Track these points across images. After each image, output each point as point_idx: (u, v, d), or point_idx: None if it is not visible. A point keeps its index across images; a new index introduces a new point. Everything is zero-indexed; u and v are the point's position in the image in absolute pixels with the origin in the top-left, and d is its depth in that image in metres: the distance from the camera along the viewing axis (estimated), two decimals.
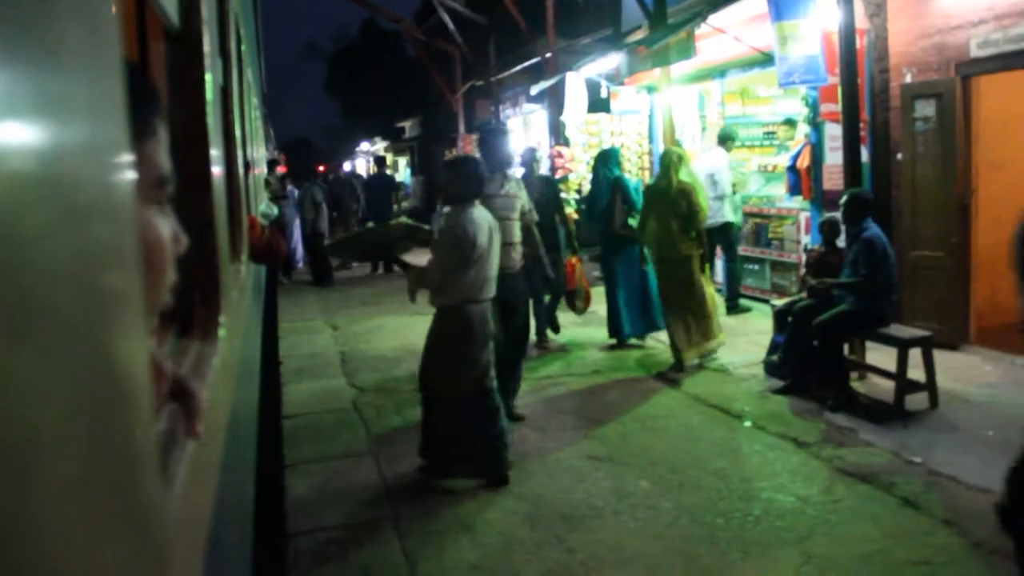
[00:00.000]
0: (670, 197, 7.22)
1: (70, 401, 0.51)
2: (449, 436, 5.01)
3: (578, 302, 8.45)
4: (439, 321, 5.00)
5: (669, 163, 7.39)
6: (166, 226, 0.94)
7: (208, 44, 1.73)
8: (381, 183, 16.31)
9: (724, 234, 9.45)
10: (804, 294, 6.78)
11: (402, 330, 9.82)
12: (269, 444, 4.64)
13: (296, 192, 16.12)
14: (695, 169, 8.06)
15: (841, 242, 6.71)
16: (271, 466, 4.73)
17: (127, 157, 0.68)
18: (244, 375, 2.43)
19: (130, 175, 0.69)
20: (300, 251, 16.27)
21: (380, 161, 18.06)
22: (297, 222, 15.69)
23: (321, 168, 28.70)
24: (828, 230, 6.85)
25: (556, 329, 8.84)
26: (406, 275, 5.08)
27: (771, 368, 6.77)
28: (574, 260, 8.33)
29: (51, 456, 0.47)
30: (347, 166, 38.01)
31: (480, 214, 4.97)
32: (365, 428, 6.31)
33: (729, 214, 9.50)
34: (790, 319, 6.55)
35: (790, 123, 9.57)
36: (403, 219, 5.38)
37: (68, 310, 0.52)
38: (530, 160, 8.53)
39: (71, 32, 0.55)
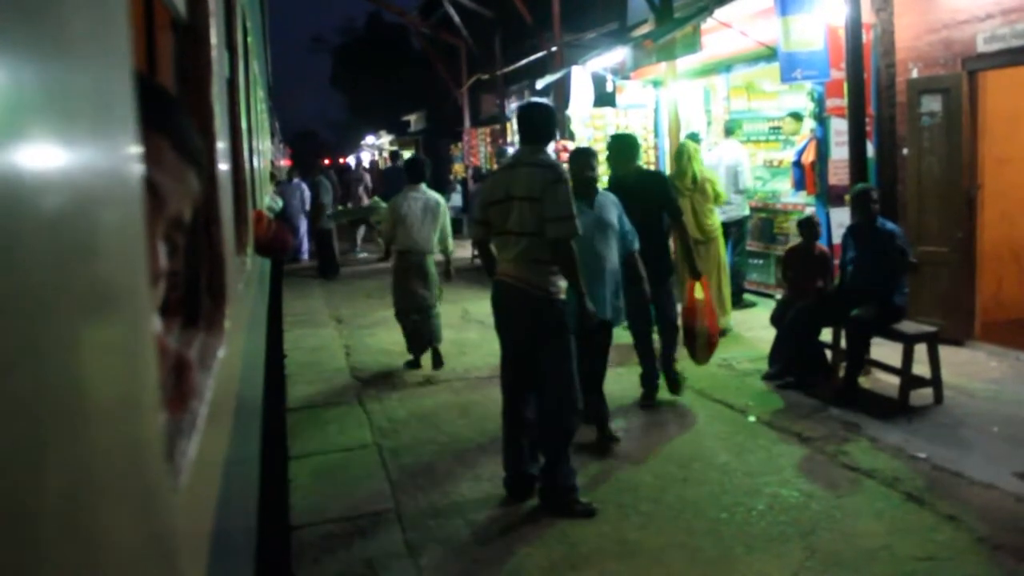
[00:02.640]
0: (697, 184, 8.01)
1: (77, 393, 0.52)
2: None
3: (699, 349, 6.17)
4: (393, 262, 7.78)
5: (689, 155, 8.11)
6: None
7: (215, 36, 1.73)
8: (396, 171, 18.32)
9: (739, 227, 9.49)
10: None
11: None
12: (273, 436, 4.65)
13: (304, 185, 16.28)
14: (712, 160, 9.22)
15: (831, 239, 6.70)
16: (275, 458, 4.74)
17: (135, 149, 0.68)
18: (249, 367, 2.44)
19: (138, 167, 0.69)
20: (305, 244, 16.60)
21: (395, 155, 20.61)
22: (303, 214, 15.91)
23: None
24: (809, 230, 6.87)
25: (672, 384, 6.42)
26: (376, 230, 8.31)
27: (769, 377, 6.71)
28: (699, 289, 6.18)
29: (57, 447, 0.47)
30: (351, 159, 38.09)
31: (414, 194, 7.50)
32: (369, 421, 6.33)
33: (746, 208, 9.58)
34: (787, 317, 6.57)
35: (795, 117, 9.55)
36: (375, 199, 9.00)
37: (75, 304, 0.52)
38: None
39: (80, 23, 0.56)
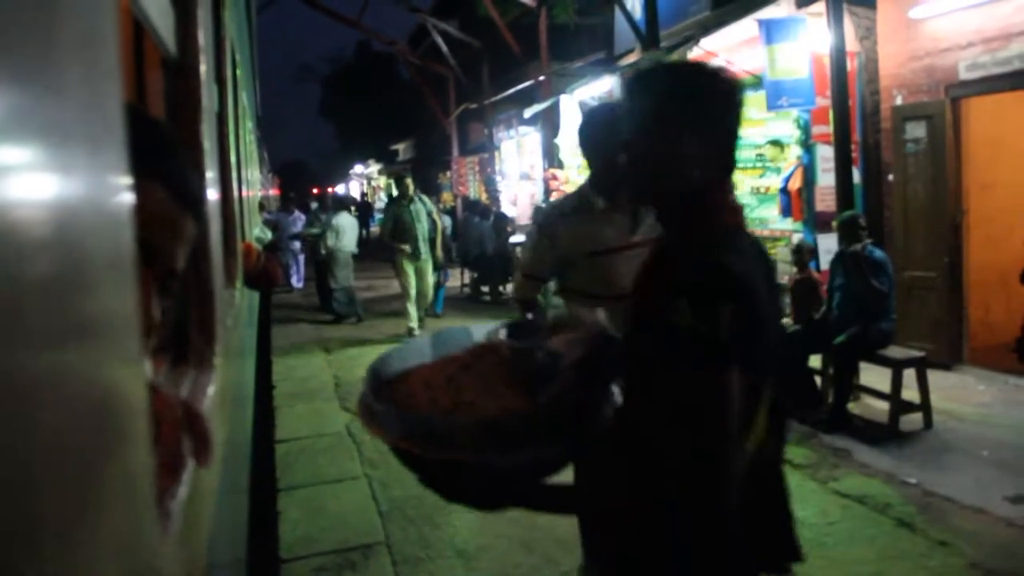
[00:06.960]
0: None
1: (65, 427, 0.52)
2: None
3: None
4: (327, 256, 12.49)
5: None
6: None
7: (204, 72, 1.74)
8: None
9: None
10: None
11: None
12: (262, 468, 4.62)
13: (301, 215, 16.84)
14: None
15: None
16: (264, 491, 4.70)
17: (125, 184, 0.68)
18: (239, 400, 2.43)
19: (128, 203, 0.69)
20: (300, 272, 17.32)
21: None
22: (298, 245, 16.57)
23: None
24: (799, 257, 6.90)
25: None
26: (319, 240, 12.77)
27: None
28: None
29: (47, 481, 0.47)
30: (340, 188, 38.22)
31: (345, 216, 12.66)
32: (358, 452, 6.29)
33: None
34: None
35: (776, 144, 9.58)
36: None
37: (63, 340, 0.52)
38: None
39: (72, 62, 0.56)
